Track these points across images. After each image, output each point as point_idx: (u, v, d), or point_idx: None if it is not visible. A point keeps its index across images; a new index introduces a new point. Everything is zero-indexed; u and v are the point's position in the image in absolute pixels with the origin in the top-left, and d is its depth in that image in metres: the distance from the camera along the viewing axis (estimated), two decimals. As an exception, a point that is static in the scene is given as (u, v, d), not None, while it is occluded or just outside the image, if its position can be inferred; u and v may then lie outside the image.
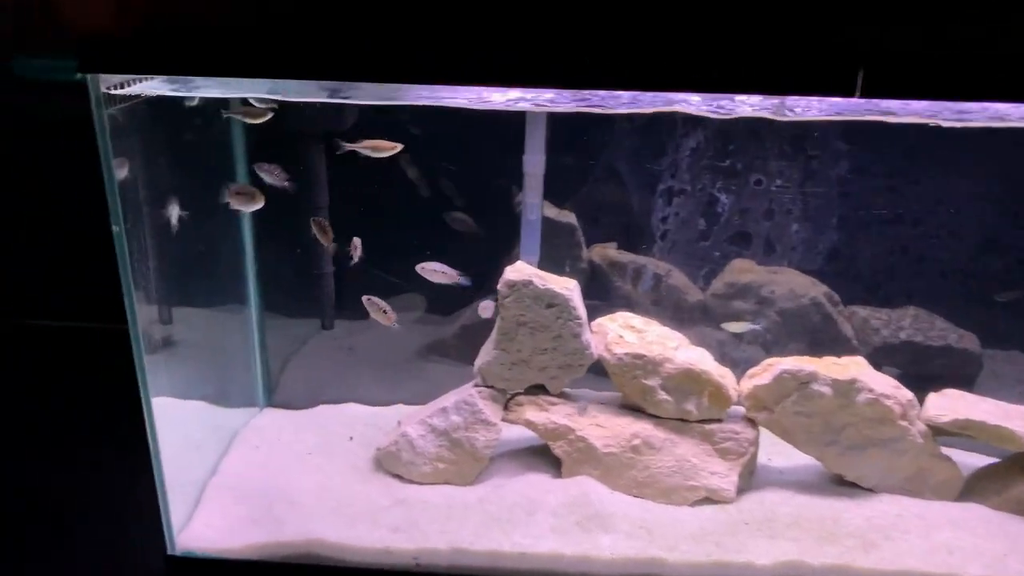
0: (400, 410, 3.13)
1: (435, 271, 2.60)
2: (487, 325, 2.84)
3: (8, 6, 2.77)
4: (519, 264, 2.66)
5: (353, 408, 3.17)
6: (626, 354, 2.65)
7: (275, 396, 3.18)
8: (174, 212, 2.34)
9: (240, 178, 3.00)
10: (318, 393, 3.16)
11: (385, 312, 2.72)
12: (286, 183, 2.69)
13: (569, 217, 3.08)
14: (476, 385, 2.70)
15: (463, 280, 2.60)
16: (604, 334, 2.70)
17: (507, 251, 2.97)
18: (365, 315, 2.70)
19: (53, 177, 2.91)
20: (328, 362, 3.21)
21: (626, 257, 3.22)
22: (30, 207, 2.97)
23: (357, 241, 2.81)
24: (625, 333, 2.78)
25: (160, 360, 2.33)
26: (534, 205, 2.92)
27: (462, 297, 3.07)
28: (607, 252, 3.24)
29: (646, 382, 2.69)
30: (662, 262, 3.19)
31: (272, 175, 2.66)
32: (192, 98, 2.63)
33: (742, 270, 3.39)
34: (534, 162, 2.85)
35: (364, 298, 2.73)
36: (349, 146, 2.61)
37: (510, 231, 2.97)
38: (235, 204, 2.48)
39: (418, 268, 2.60)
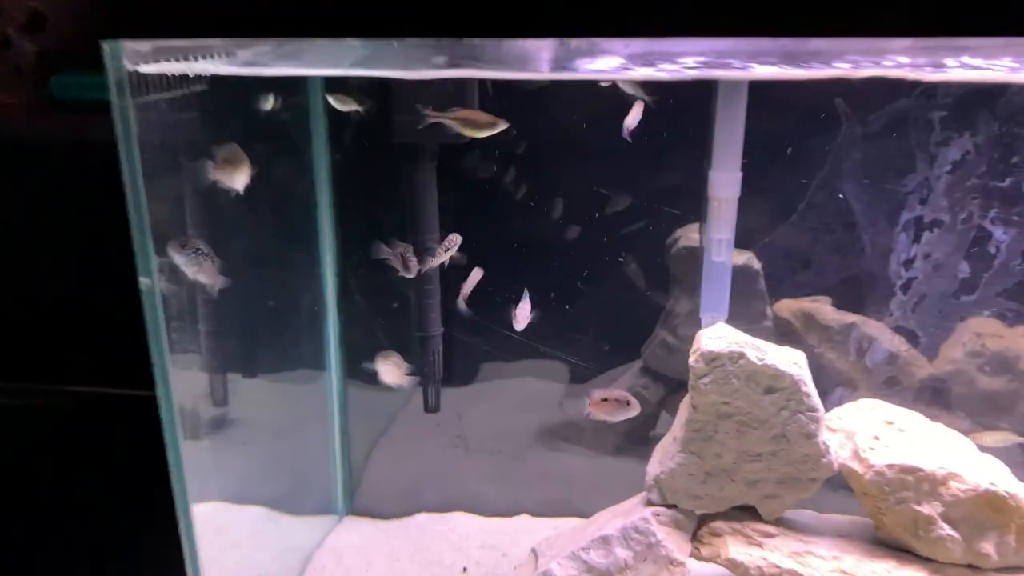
0: (526, 526, 2.58)
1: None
2: (640, 400, 2.30)
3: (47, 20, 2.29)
4: (720, 328, 2.00)
5: (462, 520, 2.60)
6: (889, 466, 1.90)
7: (358, 499, 2.68)
8: (180, 257, 1.63)
9: (322, 215, 2.38)
10: (415, 496, 2.66)
11: (398, 367, 2.07)
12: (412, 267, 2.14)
13: (747, 258, 2.44)
14: (651, 504, 2.05)
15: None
16: (849, 434, 2.00)
17: (657, 304, 2.48)
18: (476, 386, 2.40)
19: (82, 211, 2.35)
20: (430, 454, 2.68)
21: (831, 315, 2.51)
22: (57, 248, 2.41)
23: (475, 276, 2.16)
24: (882, 431, 1.99)
25: (207, 450, 1.97)
26: (722, 242, 2.28)
27: (599, 360, 2.56)
28: (805, 307, 2.53)
29: (920, 509, 1.89)
30: (873, 321, 2.46)
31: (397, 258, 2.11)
32: (266, 97, 2.04)
33: (985, 333, 2.49)
34: (727, 182, 2.21)
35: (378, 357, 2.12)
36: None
37: (662, 275, 2.48)
38: (220, 178, 1.74)
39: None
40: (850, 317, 2.46)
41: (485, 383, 2.60)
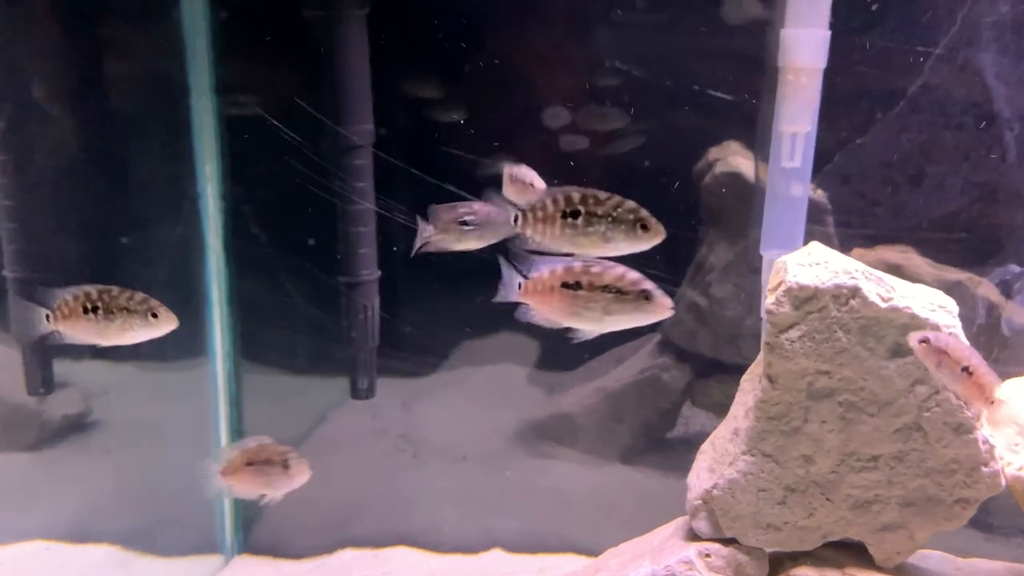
0: (500, 566, 2.30)
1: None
2: (659, 387, 2.33)
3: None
4: (816, 250, 1.61)
5: (408, 558, 2.32)
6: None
7: (257, 531, 2.41)
8: None
9: (199, 104, 2.00)
10: (340, 526, 2.41)
11: None
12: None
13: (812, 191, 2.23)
14: (695, 537, 1.74)
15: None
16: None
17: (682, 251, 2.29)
18: (430, 366, 2.12)
19: None
20: (361, 462, 2.43)
21: (926, 270, 2.21)
22: None
23: None
24: (1078, 423, 1.57)
25: (23, 465, 1.84)
26: (798, 138, 1.88)
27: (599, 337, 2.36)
28: (891, 259, 2.24)
29: None
30: (981, 279, 2.17)
31: None
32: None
33: None
34: (808, 44, 1.79)
35: None
36: None
37: (689, 210, 2.23)
38: None
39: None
40: (953, 273, 2.18)
41: (444, 363, 2.35)
